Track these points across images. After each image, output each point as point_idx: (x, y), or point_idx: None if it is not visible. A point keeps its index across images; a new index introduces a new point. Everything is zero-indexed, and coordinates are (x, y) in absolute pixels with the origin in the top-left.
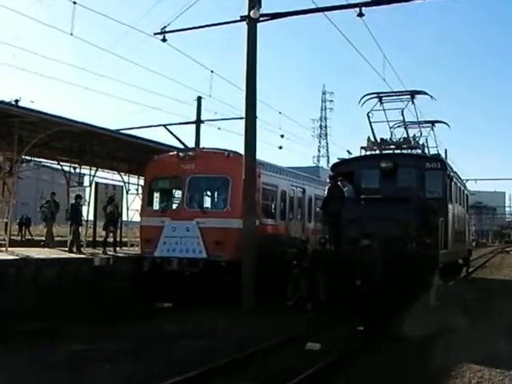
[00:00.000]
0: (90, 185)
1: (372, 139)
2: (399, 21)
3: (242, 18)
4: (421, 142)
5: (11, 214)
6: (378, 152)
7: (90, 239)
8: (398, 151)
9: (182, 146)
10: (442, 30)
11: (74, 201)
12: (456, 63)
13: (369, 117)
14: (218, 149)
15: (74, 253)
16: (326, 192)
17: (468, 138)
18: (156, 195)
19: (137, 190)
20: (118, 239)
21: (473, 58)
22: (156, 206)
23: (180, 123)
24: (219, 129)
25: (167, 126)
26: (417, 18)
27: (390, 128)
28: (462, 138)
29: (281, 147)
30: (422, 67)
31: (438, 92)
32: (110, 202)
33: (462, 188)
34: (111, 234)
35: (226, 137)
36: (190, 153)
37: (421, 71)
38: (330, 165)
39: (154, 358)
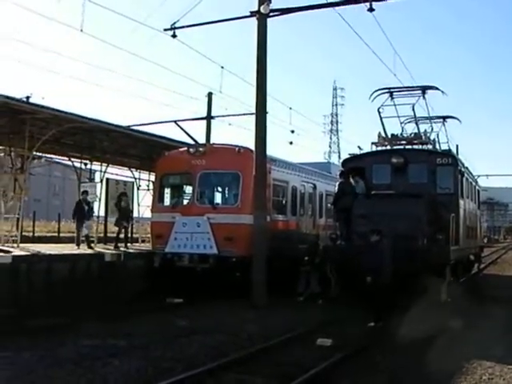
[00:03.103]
0: (101, 181)
1: (383, 135)
2: (410, 15)
3: (252, 14)
4: (432, 138)
5: (23, 211)
6: (388, 148)
7: (102, 235)
8: (409, 147)
9: (192, 142)
10: (454, 24)
11: (80, 197)
12: (468, 57)
13: (379, 112)
14: (228, 144)
15: (91, 248)
16: (336, 188)
17: (479, 134)
18: (167, 191)
19: (148, 185)
20: (129, 235)
21: (486, 52)
22: (167, 201)
23: (190, 119)
24: (230, 125)
25: (178, 122)
26: (428, 13)
27: (401, 123)
28: (474, 134)
29: (291, 143)
30: (433, 62)
31: (449, 86)
32: (123, 196)
33: (474, 184)
34: (123, 230)
35: (237, 133)
36: (201, 149)
37: (432, 66)
38: (341, 160)
39: (164, 354)
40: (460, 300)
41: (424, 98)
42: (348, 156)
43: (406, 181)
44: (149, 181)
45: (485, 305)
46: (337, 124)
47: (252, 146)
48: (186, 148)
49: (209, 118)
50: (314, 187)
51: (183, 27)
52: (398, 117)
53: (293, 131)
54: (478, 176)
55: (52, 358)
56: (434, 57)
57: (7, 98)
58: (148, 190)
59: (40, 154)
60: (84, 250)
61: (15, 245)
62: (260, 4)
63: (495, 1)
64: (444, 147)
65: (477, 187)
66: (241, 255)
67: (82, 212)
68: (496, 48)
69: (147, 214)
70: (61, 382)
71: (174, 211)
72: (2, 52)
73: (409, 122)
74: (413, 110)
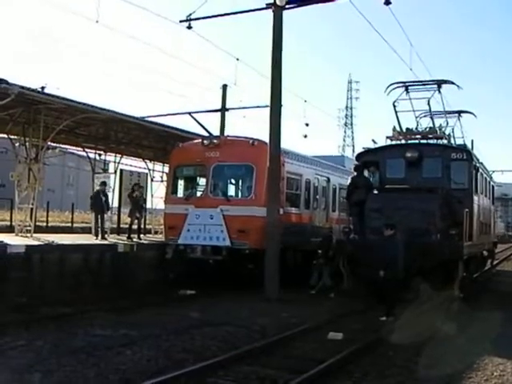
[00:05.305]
0: (115, 172)
1: (398, 129)
2: (427, 8)
3: (268, 6)
4: (447, 132)
5: (36, 201)
6: (403, 142)
7: (115, 226)
8: (424, 141)
9: (206, 134)
10: (474, 12)
11: (98, 188)
12: (486, 49)
13: (395, 106)
14: (242, 137)
15: (104, 239)
16: (350, 182)
17: (495, 128)
18: (180, 182)
19: (161, 177)
20: (142, 226)
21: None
22: (180, 193)
23: (205, 111)
24: (244, 117)
25: (192, 114)
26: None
27: (416, 118)
28: (489, 129)
29: (306, 136)
30: (449, 53)
31: (465, 80)
32: (135, 187)
33: (488, 179)
34: (136, 221)
35: (252, 125)
36: (215, 140)
37: (448, 57)
38: (355, 154)
39: (175, 345)
40: (472, 296)
41: (439, 92)
42: (362, 150)
43: (420, 175)
44: (163, 172)
45: (497, 301)
46: (351, 117)
47: (266, 139)
48: (200, 140)
49: (223, 110)
50: (328, 180)
51: (199, 19)
52: (414, 111)
53: (307, 124)
54: (493, 171)
55: (64, 346)
56: (451, 47)
57: (22, 87)
58: (162, 181)
59: (54, 145)
60: (98, 240)
61: (29, 234)
62: None
63: None
64: (459, 142)
65: (491, 183)
66: (254, 247)
67: (101, 203)
68: None
69: (161, 205)
70: (74, 370)
71: (187, 203)
72: (18, 43)
73: (424, 117)
74: (428, 104)
